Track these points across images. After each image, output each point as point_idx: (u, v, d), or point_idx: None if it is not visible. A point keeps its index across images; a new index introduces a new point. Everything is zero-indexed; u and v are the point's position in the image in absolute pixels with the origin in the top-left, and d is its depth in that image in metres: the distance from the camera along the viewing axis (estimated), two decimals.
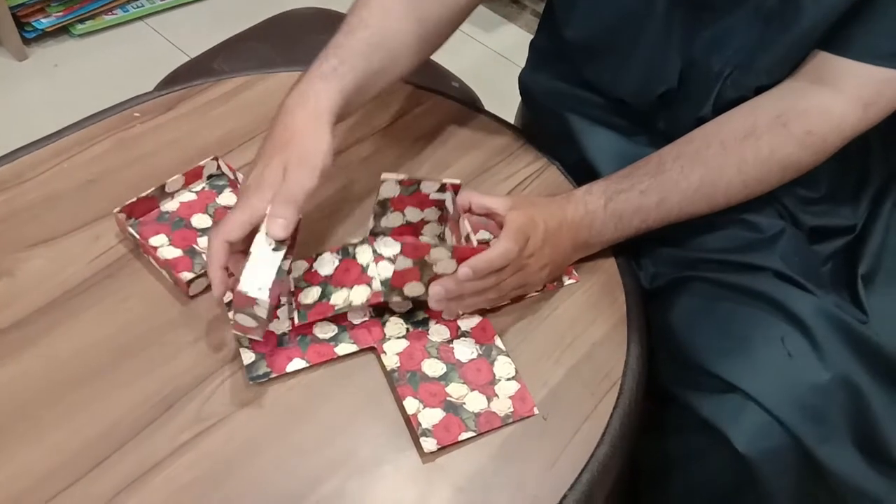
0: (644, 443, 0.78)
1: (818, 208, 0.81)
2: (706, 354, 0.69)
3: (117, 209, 0.72)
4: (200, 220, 0.74)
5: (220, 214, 0.75)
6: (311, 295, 0.68)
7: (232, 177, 0.78)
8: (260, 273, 0.60)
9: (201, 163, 0.77)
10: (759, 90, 0.73)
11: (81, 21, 1.85)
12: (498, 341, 0.68)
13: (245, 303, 0.60)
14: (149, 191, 0.74)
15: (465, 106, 0.91)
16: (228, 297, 0.69)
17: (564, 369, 0.67)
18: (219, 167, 0.78)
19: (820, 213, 0.81)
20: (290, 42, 1.14)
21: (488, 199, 0.69)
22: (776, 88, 0.72)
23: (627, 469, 0.73)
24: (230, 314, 0.66)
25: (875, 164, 0.82)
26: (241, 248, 0.63)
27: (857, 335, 0.70)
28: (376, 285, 0.69)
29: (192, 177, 0.77)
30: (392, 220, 0.72)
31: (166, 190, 0.75)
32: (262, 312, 0.60)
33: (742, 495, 0.70)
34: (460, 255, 0.64)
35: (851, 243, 0.81)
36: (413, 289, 0.66)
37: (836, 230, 0.81)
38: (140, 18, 1.92)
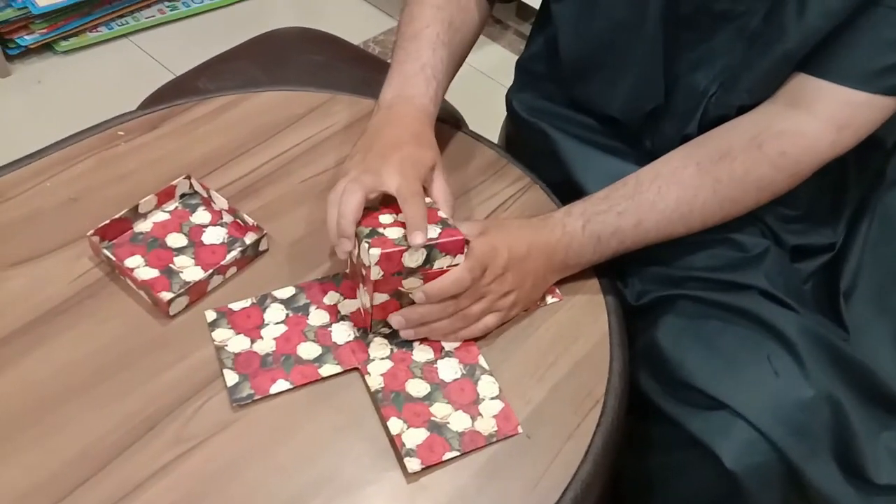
0: (629, 459, 0.79)
1: (799, 227, 0.82)
2: (694, 372, 0.70)
3: (90, 232, 0.71)
4: (175, 240, 0.74)
5: (195, 233, 0.75)
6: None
7: (205, 195, 0.78)
8: None
9: (173, 182, 0.77)
10: (741, 109, 0.74)
11: (65, 38, 1.85)
12: (482, 360, 0.68)
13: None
14: (122, 212, 0.73)
15: (449, 125, 0.92)
16: (211, 316, 0.69)
17: (547, 387, 0.67)
18: (191, 186, 0.78)
19: (800, 231, 0.82)
20: (275, 61, 1.14)
21: (461, 228, 0.70)
22: (753, 111, 0.73)
23: (610, 486, 0.73)
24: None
25: (851, 183, 0.83)
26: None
27: (839, 353, 0.71)
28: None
29: (164, 196, 0.76)
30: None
31: (139, 211, 0.75)
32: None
33: None
34: (429, 280, 0.65)
35: (831, 262, 0.82)
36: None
37: (817, 249, 0.82)
38: (124, 36, 1.92)
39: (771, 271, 0.75)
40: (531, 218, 0.74)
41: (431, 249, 0.64)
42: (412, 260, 0.64)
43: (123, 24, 1.91)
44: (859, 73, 0.68)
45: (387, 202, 0.67)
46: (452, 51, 0.79)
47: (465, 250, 0.66)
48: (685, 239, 0.74)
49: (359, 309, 0.70)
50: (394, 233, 0.65)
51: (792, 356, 0.68)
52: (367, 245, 0.63)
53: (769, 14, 0.70)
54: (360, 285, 0.67)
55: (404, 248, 0.63)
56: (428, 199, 0.69)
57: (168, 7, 1.97)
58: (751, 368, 0.69)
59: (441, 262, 0.65)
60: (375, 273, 0.64)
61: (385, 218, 0.66)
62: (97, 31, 1.88)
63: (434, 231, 0.65)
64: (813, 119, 0.70)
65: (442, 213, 0.67)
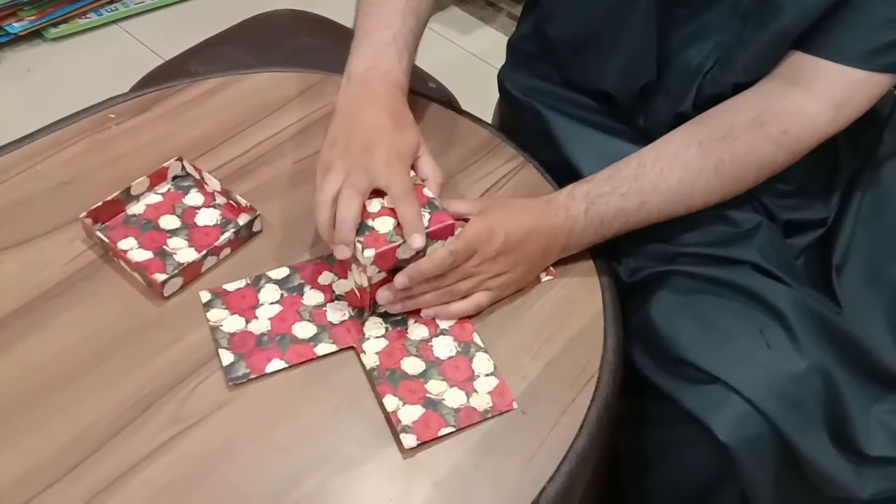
0: (626, 434, 0.80)
1: (792, 202, 0.82)
2: (687, 347, 0.70)
3: (83, 214, 0.71)
4: (169, 222, 0.74)
5: (188, 215, 0.75)
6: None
7: (197, 177, 0.77)
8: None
9: (165, 164, 0.77)
10: (736, 87, 0.74)
11: (55, 25, 1.83)
12: (476, 338, 0.69)
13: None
14: (114, 194, 0.73)
15: (442, 105, 0.92)
16: (206, 296, 0.69)
17: (542, 364, 0.68)
18: (183, 168, 0.78)
19: (793, 206, 0.82)
20: (266, 44, 1.14)
21: (461, 206, 0.70)
22: (752, 89, 0.73)
23: (607, 460, 0.74)
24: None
25: (843, 159, 0.84)
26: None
27: (832, 326, 0.71)
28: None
29: (156, 178, 0.76)
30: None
31: (132, 193, 0.75)
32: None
33: (723, 484, 0.71)
34: (436, 236, 0.65)
35: (824, 236, 0.82)
36: None
37: (809, 223, 0.83)
38: (114, 22, 1.90)
39: (763, 246, 0.76)
40: (534, 199, 0.73)
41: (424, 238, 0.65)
42: (405, 252, 0.65)
43: (113, 11, 1.90)
44: (857, 51, 0.68)
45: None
46: (419, 18, 0.78)
47: (456, 232, 0.66)
48: (680, 216, 0.74)
49: (352, 289, 0.70)
50: (384, 225, 0.65)
51: (784, 329, 0.69)
52: (360, 245, 0.64)
53: None
54: (353, 266, 0.67)
55: (397, 244, 0.64)
56: (412, 173, 0.69)
57: None
58: (743, 342, 0.69)
59: (433, 248, 0.66)
60: (372, 272, 0.64)
61: (373, 206, 0.66)
62: (87, 18, 1.87)
63: (423, 217, 0.65)
64: (812, 97, 0.70)
65: (428, 192, 0.67)
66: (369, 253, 0.63)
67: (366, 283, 0.66)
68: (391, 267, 0.65)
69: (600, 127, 0.84)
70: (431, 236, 0.65)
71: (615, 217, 0.72)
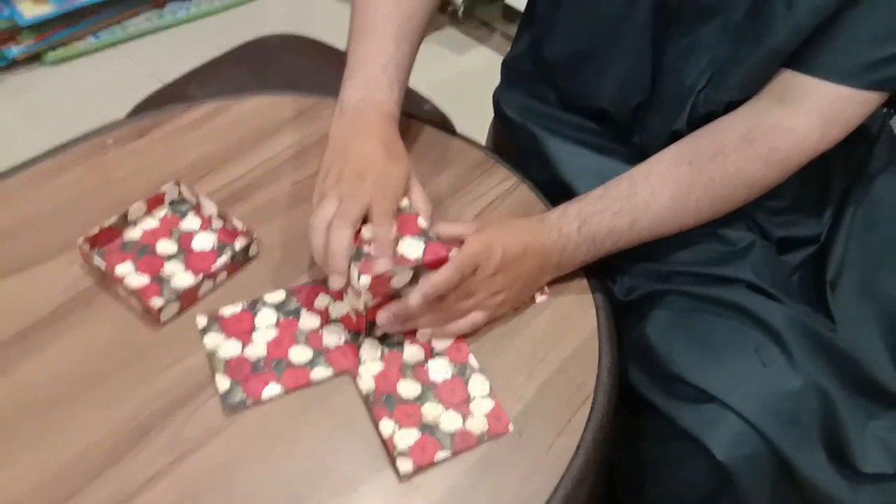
0: (622, 453, 0.80)
1: (784, 219, 0.83)
2: (683, 365, 0.71)
3: (80, 240, 0.71)
4: (166, 247, 0.74)
5: (184, 239, 0.75)
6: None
7: (194, 201, 0.78)
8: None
9: (162, 189, 0.77)
10: (729, 105, 0.75)
11: (53, 48, 1.85)
12: (472, 359, 0.69)
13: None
14: (110, 220, 0.74)
15: (436, 127, 0.93)
16: (202, 322, 0.69)
17: (538, 384, 0.68)
18: (180, 192, 0.79)
19: (786, 223, 0.83)
20: (264, 67, 1.15)
21: (457, 227, 0.70)
22: (742, 107, 0.74)
23: (603, 480, 0.74)
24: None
25: (835, 175, 0.84)
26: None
27: (827, 342, 0.71)
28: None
29: (153, 203, 0.77)
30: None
31: (129, 218, 0.75)
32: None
33: (720, 501, 0.71)
34: (431, 266, 0.65)
35: (817, 253, 0.83)
36: None
37: (803, 240, 0.83)
38: (113, 45, 1.92)
39: (757, 264, 0.76)
40: (527, 218, 0.74)
41: (418, 268, 0.65)
42: (400, 281, 0.65)
43: (111, 34, 1.92)
44: (845, 68, 0.68)
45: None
46: (412, 43, 0.79)
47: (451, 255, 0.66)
48: (673, 235, 0.75)
49: (348, 312, 0.71)
50: None
51: (779, 347, 0.69)
52: (355, 271, 0.64)
53: (755, 9, 0.70)
54: (349, 290, 0.68)
55: (391, 273, 0.64)
56: (405, 202, 0.69)
57: (156, 16, 1.98)
58: (739, 360, 0.70)
59: (426, 278, 0.66)
60: (367, 297, 0.65)
61: (367, 232, 0.67)
62: (85, 42, 1.89)
63: (418, 248, 0.66)
64: (802, 115, 0.70)
65: (422, 223, 0.68)
66: (364, 280, 0.63)
67: (361, 307, 0.66)
68: (386, 293, 0.66)
69: (595, 147, 0.85)
70: (427, 266, 0.65)
71: (607, 236, 0.73)
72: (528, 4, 0.89)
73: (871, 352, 0.75)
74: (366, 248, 0.65)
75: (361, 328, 0.69)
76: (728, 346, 0.71)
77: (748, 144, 0.71)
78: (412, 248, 0.66)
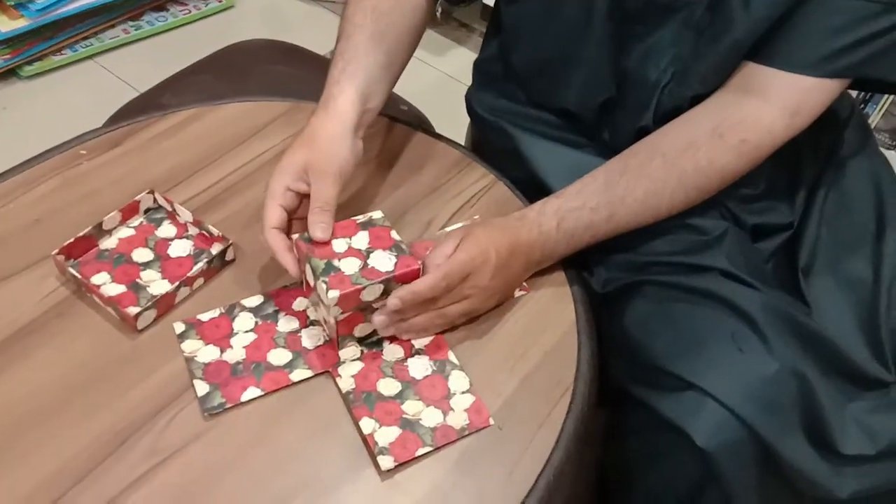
0: (608, 447, 0.80)
1: (757, 206, 0.83)
2: (662, 355, 0.71)
3: (55, 251, 0.71)
4: (141, 255, 0.74)
5: (160, 247, 0.75)
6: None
7: (169, 209, 0.78)
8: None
9: (137, 197, 0.77)
10: (694, 99, 0.75)
11: (29, 63, 1.84)
12: (451, 356, 0.69)
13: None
14: (86, 230, 0.73)
15: (413, 127, 0.93)
16: (180, 328, 0.69)
17: (518, 379, 0.68)
18: (155, 200, 0.79)
19: (759, 210, 0.83)
20: (240, 74, 1.14)
21: (448, 245, 0.70)
22: (710, 100, 0.75)
23: (588, 472, 0.74)
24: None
25: (806, 161, 0.85)
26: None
27: (802, 327, 0.72)
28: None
29: (129, 212, 0.77)
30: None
31: (104, 227, 0.75)
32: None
33: (707, 489, 0.72)
34: (401, 280, 0.66)
35: (790, 239, 0.84)
36: (363, 329, 0.68)
37: (776, 227, 0.84)
38: (90, 58, 1.91)
39: (731, 252, 0.77)
40: (506, 217, 0.74)
41: (388, 282, 0.65)
42: (370, 294, 0.65)
43: (88, 46, 1.91)
44: (807, 59, 0.70)
45: (338, 226, 0.68)
46: (389, 46, 0.79)
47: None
48: (648, 226, 0.75)
49: (321, 320, 0.71)
50: (350, 266, 0.65)
51: (755, 332, 0.70)
52: (324, 286, 0.64)
53: (714, 5, 0.72)
54: (320, 303, 0.68)
55: (362, 286, 0.64)
56: (378, 214, 0.70)
57: (132, 27, 1.97)
58: (716, 347, 0.70)
59: (396, 292, 0.66)
60: (336, 312, 0.65)
61: (339, 245, 0.67)
62: (62, 55, 1.88)
63: (389, 261, 0.66)
64: (768, 105, 0.72)
65: (395, 235, 0.68)
66: (333, 294, 0.63)
67: (332, 321, 0.66)
68: (355, 308, 0.66)
69: (567, 143, 0.86)
70: (397, 280, 0.65)
71: (585, 230, 0.73)
72: (494, 10, 0.90)
73: (847, 335, 0.75)
74: (336, 262, 0.65)
75: (333, 340, 0.68)
76: (705, 334, 0.71)
77: (718, 137, 0.72)
78: (383, 262, 0.66)
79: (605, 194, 0.73)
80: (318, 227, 0.67)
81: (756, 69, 0.72)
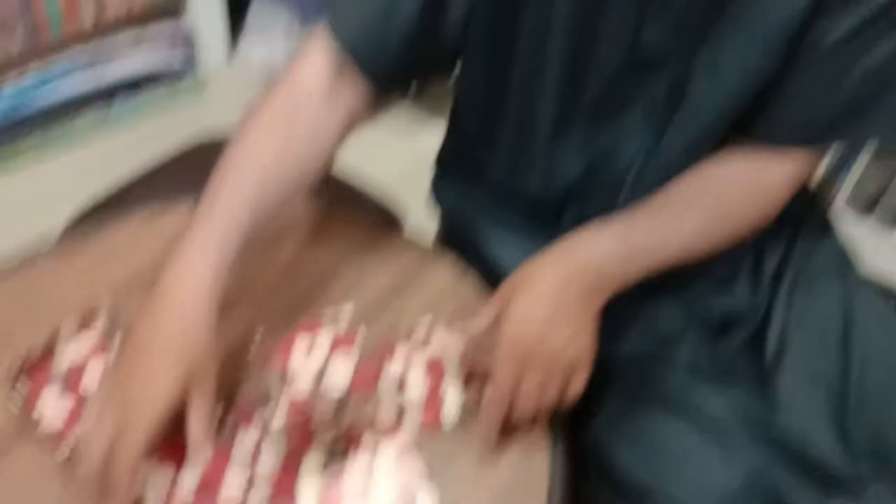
0: None
1: (720, 297, 0.82)
2: (630, 465, 0.71)
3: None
4: (95, 369, 0.71)
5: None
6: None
7: (127, 319, 0.75)
8: None
9: (88, 311, 0.75)
10: (665, 180, 0.74)
11: None
12: (419, 480, 0.65)
13: None
14: (36, 346, 0.71)
15: (381, 222, 0.91)
16: None
17: (489, 496, 0.65)
18: (106, 314, 0.76)
19: (722, 301, 0.82)
20: (202, 172, 1.13)
21: (472, 326, 0.68)
22: (738, 167, 0.72)
23: None
24: None
25: (769, 246, 0.83)
26: None
27: (770, 429, 0.71)
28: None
29: (82, 326, 0.75)
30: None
31: (57, 341, 0.73)
32: None
33: None
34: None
35: (757, 331, 0.81)
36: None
37: (741, 318, 0.82)
38: (57, 151, 1.88)
39: (696, 349, 0.76)
40: (553, 249, 0.71)
41: (343, 398, 0.63)
42: (323, 414, 0.62)
43: (56, 141, 1.87)
44: (807, 131, 0.69)
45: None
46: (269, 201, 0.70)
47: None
48: (609, 327, 0.72)
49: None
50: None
51: (721, 439, 0.69)
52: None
53: (675, 90, 0.70)
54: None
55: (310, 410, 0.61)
56: (343, 313, 0.67)
57: (100, 119, 1.94)
58: (682, 456, 0.69)
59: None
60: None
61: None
62: (28, 148, 1.84)
63: (347, 370, 0.64)
64: (778, 177, 0.72)
65: (362, 334, 0.65)
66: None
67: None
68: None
69: (529, 230, 0.84)
70: (356, 391, 0.62)
71: (641, 252, 0.70)
72: (452, 112, 0.89)
73: (818, 433, 0.72)
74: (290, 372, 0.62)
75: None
76: (671, 443, 0.70)
77: (750, 200, 0.73)
78: (338, 375, 0.62)
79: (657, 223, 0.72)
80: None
81: (760, 145, 0.71)
